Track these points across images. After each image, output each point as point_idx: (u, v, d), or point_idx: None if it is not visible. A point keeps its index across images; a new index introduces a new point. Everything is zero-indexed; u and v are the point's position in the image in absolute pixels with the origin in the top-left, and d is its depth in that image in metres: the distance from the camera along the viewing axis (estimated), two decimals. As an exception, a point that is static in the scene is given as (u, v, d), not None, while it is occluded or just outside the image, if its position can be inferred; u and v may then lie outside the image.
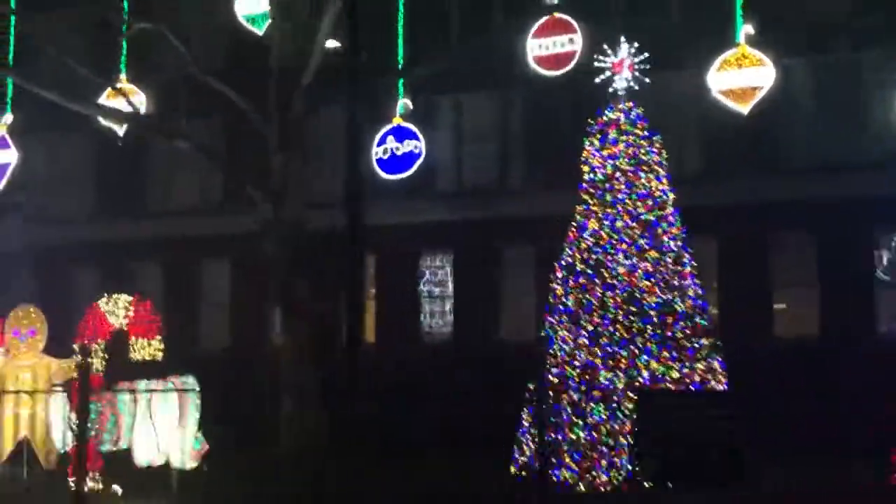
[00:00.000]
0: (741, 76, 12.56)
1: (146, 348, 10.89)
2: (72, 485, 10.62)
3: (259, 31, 16.11)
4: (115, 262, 21.23)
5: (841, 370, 16.18)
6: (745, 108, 12.61)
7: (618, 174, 11.94)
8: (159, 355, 10.86)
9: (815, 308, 17.55)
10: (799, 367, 16.37)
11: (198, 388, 9.98)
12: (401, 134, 15.69)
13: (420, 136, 15.66)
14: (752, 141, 17.45)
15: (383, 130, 15.79)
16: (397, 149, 15.70)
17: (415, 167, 15.68)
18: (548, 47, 13.64)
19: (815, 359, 16.58)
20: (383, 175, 15.84)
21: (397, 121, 15.69)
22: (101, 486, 10.67)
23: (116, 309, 11.08)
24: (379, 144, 15.84)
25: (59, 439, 11.09)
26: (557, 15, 13.40)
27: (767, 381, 15.64)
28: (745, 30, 12.79)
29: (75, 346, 11.13)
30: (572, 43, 13.63)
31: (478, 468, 11.36)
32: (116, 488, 10.25)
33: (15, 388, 11.55)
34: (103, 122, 15.10)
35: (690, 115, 17.74)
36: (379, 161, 15.79)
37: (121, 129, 15.91)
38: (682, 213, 11.94)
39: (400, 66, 16.44)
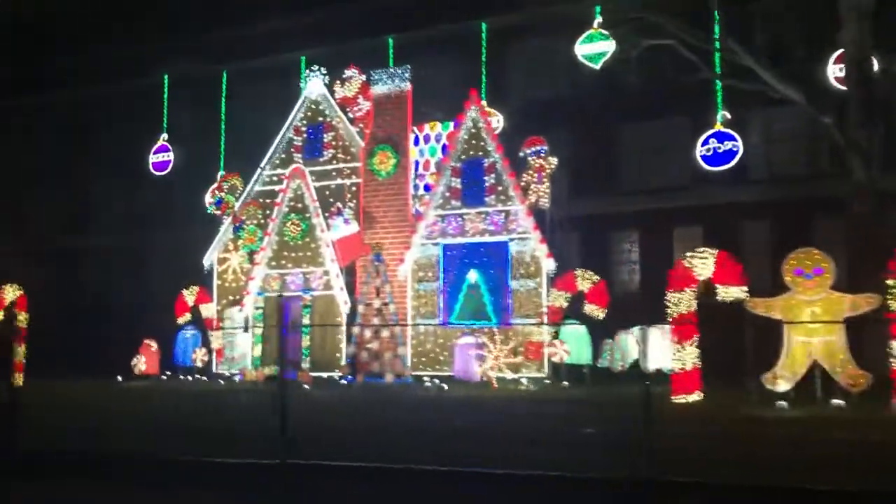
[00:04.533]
0: None
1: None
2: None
3: (596, 66, 21.41)
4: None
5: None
6: None
7: None
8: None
9: None
10: None
11: None
12: (721, 137, 21.34)
13: (738, 138, 21.23)
14: None
15: (706, 134, 21.47)
16: (719, 148, 21.44)
17: (734, 162, 21.22)
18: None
19: None
20: (706, 167, 21.65)
21: (718, 127, 21.16)
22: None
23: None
24: (703, 144, 21.57)
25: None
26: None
27: None
28: None
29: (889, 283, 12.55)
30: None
31: None
32: None
33: (808, 320, 13.05)
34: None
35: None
36: (703, 157, 21.67)
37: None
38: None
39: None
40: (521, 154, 20.53)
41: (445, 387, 17.69)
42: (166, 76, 30.73)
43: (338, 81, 23.27)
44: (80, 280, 31.50)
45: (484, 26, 26.69)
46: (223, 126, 29.41)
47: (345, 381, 19.80)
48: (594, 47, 22.36)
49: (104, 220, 31.96)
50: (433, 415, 12.69)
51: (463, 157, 21.18)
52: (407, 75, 22.58)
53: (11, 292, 22.63)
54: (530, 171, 20.33)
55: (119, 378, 22.03)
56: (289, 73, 27.87)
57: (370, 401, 15.33)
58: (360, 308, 20.73)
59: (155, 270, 28.95)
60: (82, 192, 32.69)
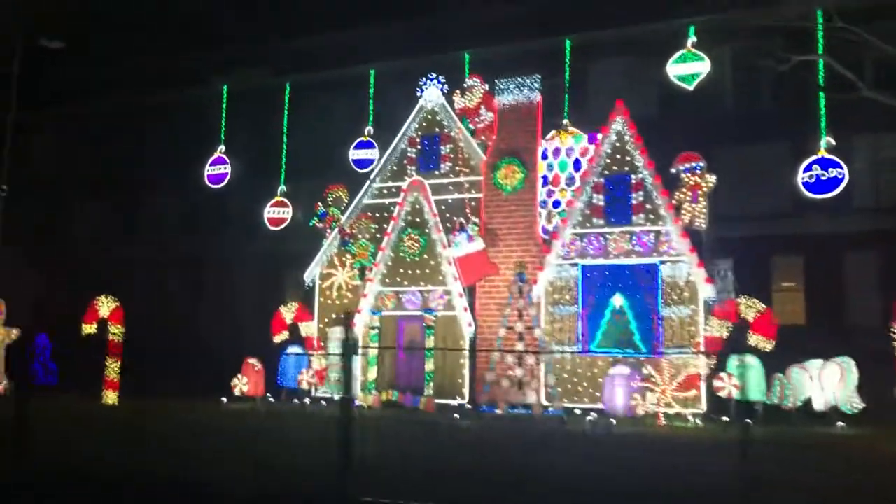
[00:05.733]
0: None
1: None
2: None
3: (689, 87, 20.01)
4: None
5: None
6: None
7: None
8: None
9: None
10: None
11: None
12: (825, 163, 19.26)
13: (843, 165, 19.03)
14: None
15: (808, 160, 19.44)
16: (822, 175, 19.38)
17: (838, 189, 19.12)
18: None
19: None
20: (808, 195, 19.56)
21: (821, 153, 19.19)
22: None
23: None
24: (805, 171, 19.54)
25: None
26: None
27: None
28: None
29: None
30: None
31: None
32: None
33: None
34: None
35: None
36: (805, 184, 19.56)
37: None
38: None
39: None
40: (673, 170, 19.10)
41: (614, 422, 16.07)
42: (225, 87, 29.34)
43: (457, 91, 21.93)
44: (158, 294, 30.01)
45: (568, 43, 25.36)
46: (285, 138, 27.98)
47: (493, 412, 18.21)
48: (687, 68, 21.16)
49: (189, 230, 30.54)
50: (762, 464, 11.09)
51: (606, 172, 19.75)
52: (536, 85, 21.23)
53: (106, 304, 21.11)
54: (684, 189, 18.88)
55: (224, 399, 20.40)
56: (353, 84, 26.63)
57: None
58: (501, 332, 19.18)
59: (246, 285, 27.46)
60: (159, 201, 31.35)
